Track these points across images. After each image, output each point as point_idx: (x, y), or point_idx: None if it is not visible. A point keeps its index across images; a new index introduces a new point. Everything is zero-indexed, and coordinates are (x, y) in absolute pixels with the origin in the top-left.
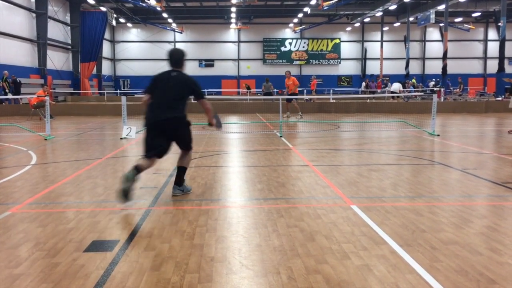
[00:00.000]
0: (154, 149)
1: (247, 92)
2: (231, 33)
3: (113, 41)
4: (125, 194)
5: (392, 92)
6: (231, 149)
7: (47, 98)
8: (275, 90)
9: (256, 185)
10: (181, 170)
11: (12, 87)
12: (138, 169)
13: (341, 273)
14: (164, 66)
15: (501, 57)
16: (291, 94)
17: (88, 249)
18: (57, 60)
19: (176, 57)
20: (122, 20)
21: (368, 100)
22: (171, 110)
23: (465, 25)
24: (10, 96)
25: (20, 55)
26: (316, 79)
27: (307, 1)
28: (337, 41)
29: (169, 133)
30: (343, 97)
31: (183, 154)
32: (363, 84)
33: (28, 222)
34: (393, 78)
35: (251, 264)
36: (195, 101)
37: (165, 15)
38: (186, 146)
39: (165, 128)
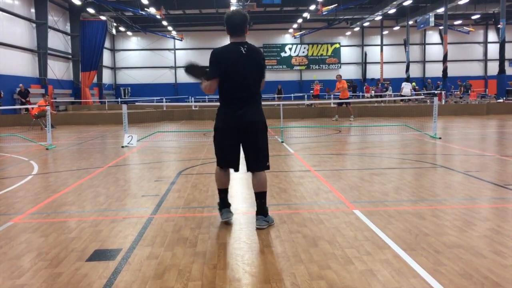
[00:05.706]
0: None
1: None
2: None
3: (113, 50)
4: None
5: (403, 95)
6: None
7: (48, 107)
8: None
9: None
10: None
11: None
12: None
13: (345, 278)
14: (164, 74)
15: (502, 59)
16: (342, 98)
17: (90, 258)
18: (57, 69)
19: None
20: (122, 28)
21: (377, 104)
22: None
23: (464, 27)
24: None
25: (21, 65)
26: (319, 84)
27: (306, 6)
28: (337, 45)
29: None
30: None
31: None
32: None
33: (30, 232)
34: (394, 82)
35: (254, 271)
36: None
37: (164, 23)
38: None
39: None
